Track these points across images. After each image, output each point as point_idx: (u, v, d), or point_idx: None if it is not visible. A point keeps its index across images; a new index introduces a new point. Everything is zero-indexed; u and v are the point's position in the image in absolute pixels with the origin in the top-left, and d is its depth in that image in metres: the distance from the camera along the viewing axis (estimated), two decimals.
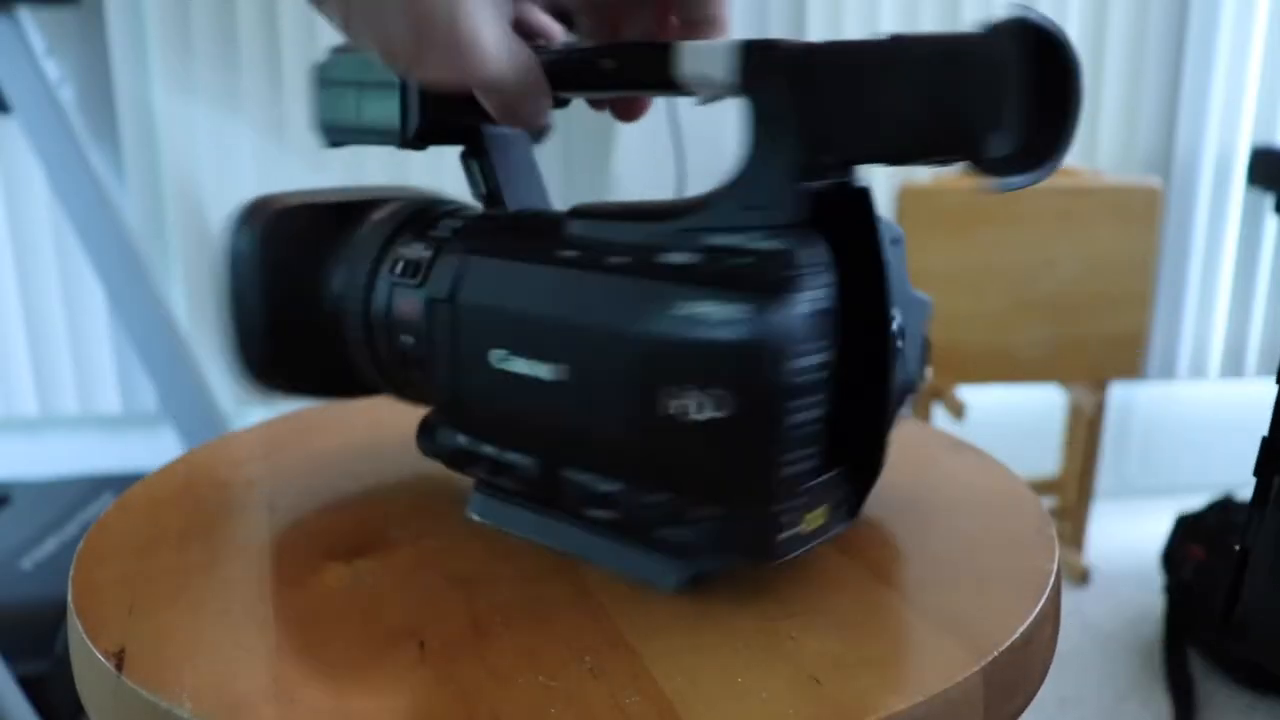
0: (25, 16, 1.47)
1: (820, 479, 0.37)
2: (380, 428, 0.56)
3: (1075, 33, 1.74)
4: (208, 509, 0.47)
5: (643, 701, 0.32)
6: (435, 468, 0.50)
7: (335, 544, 0.42)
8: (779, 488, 0.35)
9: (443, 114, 0.43)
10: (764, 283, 0.34)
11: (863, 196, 0.37)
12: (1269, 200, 1.81)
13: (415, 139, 0.43)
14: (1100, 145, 1.79)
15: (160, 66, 1.64)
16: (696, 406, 0.34)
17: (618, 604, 0.37)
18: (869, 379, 0.38)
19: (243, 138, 1.66)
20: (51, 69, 1.51)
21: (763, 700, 0.32)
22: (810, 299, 0.34)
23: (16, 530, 1.46)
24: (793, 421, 0.34)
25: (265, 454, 0.53)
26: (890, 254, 0.38)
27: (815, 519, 0.37)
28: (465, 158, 0.46)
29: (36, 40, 1.49)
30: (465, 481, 0.45)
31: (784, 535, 0.36)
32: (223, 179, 1.68)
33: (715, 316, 0.33)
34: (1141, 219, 1.52)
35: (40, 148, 1.50)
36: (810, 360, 0.34)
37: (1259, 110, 1.81)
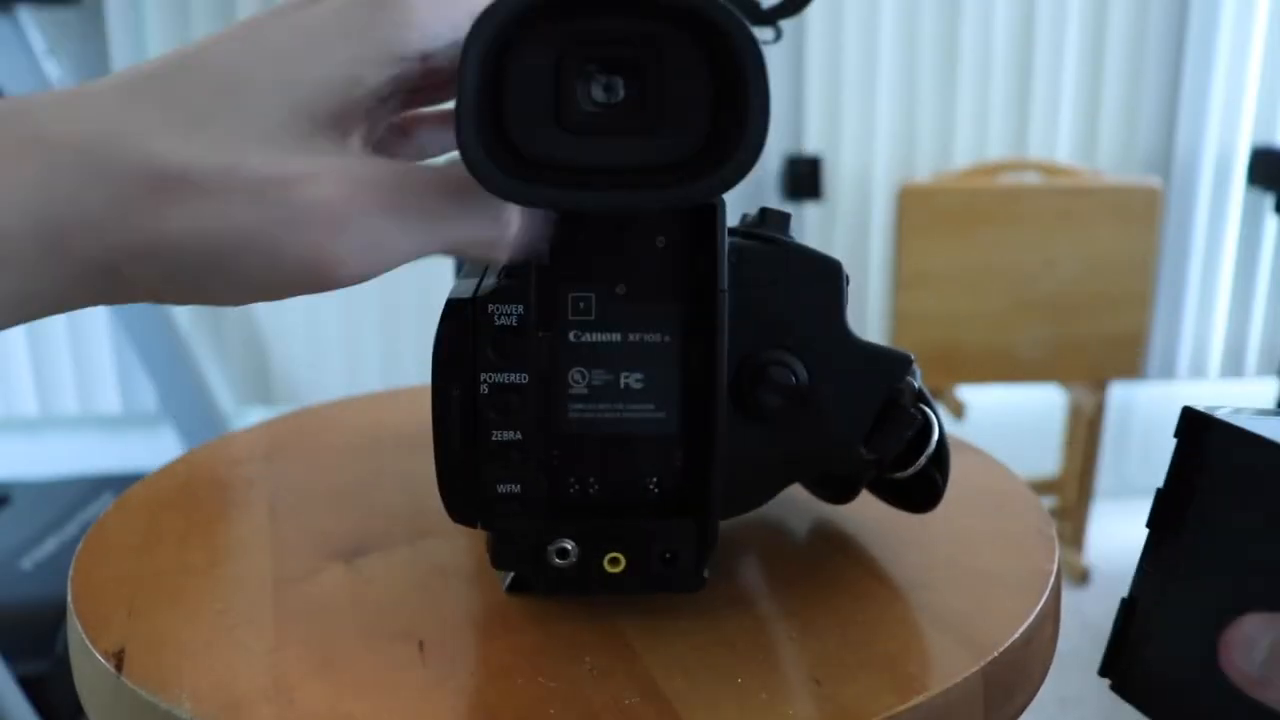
0: (25, 16, 1.47)
1: (577, 519, 0.35)
2: (380, 428, 0.56)
3: (1075, 33, 1.74)
4: (208, 509, 0.47)
5: (643, 701, 0.32)
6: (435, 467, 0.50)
7: (335, 544, 0.42)
8: (468, 494, 0.35)
9: None
10: (468, 288, 0.34)
11: (710, 214, 0.34)
12: (1269, 200, 1.81)
13: None
14: (1100, 145, 1.79)
15: None
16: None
17: (618, 604, 0.37)
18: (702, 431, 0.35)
19: None
20: (51, 69, 1.51)
21: (763, 700, 0.32)
22: (499, 313, 0.33)
23: (16, 530, 1.46)
24: (482, 433, 0.34)
25: (265, 454, 0.53)
26: (802, 292, 0.35)
27: (588, 557, 0.35)
28: None
29: (36, 40, 1.49)
30: None
31: (507, 553, 0.36)
32: None
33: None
34: (1141, 219, 1.52)
35: None
36: (495, 376, 0.34)
37: (1259, 110, 1.81)
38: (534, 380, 0.34)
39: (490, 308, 0.33)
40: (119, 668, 0.34)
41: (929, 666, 0.34)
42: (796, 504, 0.45)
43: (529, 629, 0.36)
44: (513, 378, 0.34)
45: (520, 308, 0.33)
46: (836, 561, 0.41)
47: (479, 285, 0.34)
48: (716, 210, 0.33)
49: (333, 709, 0.32)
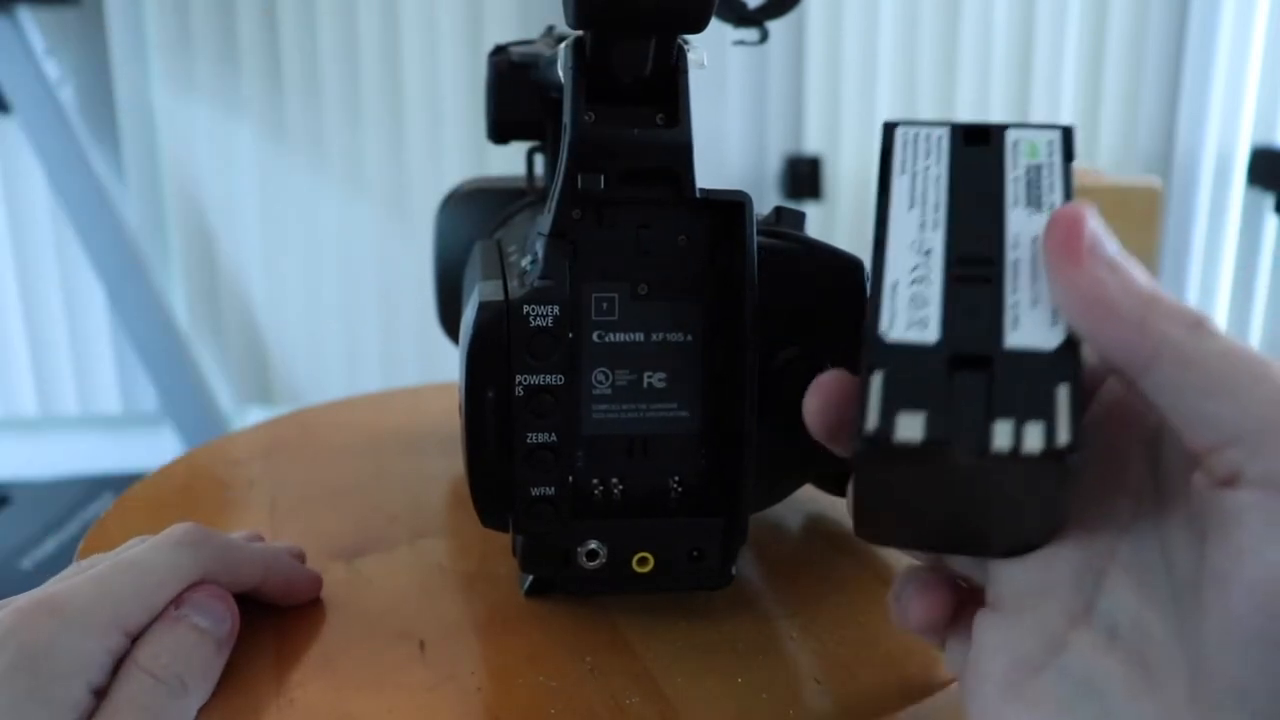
0: (25, 16, 1.48)
1: (607, 518, 0.35)
2: (380, 428, 0.56)
3: (1075, 32, 1.74)
4: (208, 509, 0.47)
5: (643, 701, 0.32)
6: (435, 467, 0.50)
7: (335, 544, 0.42)
8: (500, 496, 0.35)
9: (514, 116, 0.47)
10: (497, 291, 0.34)
11: (738, 211, 0.34)
12: (1269, 200, 1.81)
13: (495, 136, 0.48)
14: (1100, 145, 1.79)
15: (160, 66, 1.64)
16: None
17: (618, 604, 0.37)
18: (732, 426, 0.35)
19: (243, 138, 1.66)
20: (51, 69, 1.51)
21: (763, 700, 0.32)
22: (535, 314, 0.33)
23: (16, 530, 1.46)
24: (512, 436, 0.33)
25: (265, 454, 0.53)
26: (824, 290, 0.36)
27: (617, 558, 0.35)
28: (532, 153, 0.49)
29: (36, 40, 1.49)
30: (464, 481, 0.45)
31: (537, 556, 0.36)
32: (223, 179, 1.68)
33: (467, 318, 0.34)
34: (1141, 219, 1.52)
35: (40, 148, 1.50)
36: (530, 378, 0.33)
37: (1259, 110, 1.81)
38: (568, 381, 0.34)
39: (526, 309, 0.33)
40: None
41: (929, 666, 0.34)
42: (796, 503, 0.45)
43: (529, 629, 0.36)
44: (548, 379, 0.33)
45: (556, 308, 0.33)
46: (836, 561, 0.41)
47: (506, 286, 0.34)
48: (744, 208, 0.33)
49: (333, 709, 0.32)
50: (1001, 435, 0.23)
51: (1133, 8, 1.75)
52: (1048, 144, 0.28)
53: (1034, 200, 0.27)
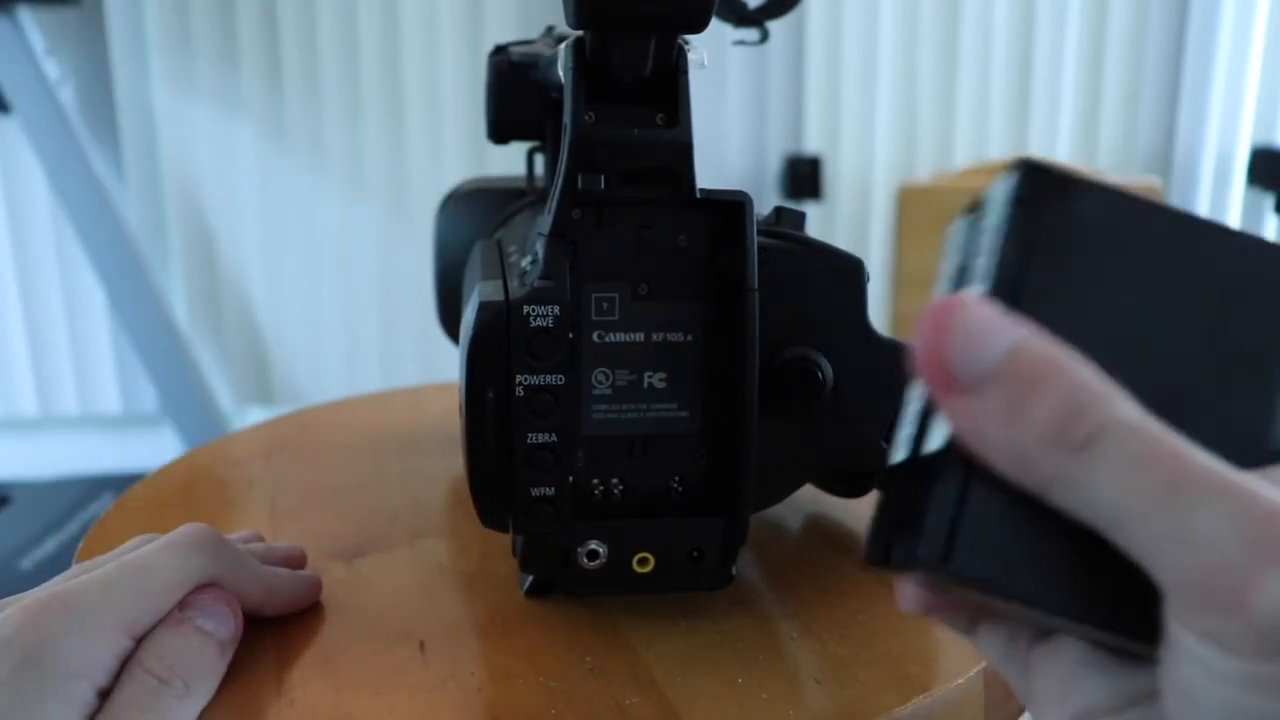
0: (25, 16, 1.48)
1: (608, 518, 0.35)
2: (380, 428, 0.56)
3: (1075, 32, 1.74)
4: (208, 509, 0.47)
5: (643, 701, 0.32)
6: (435, 467, 0.50)
7: (335, 544, 0.42)
8: (500, 496, 0.35)
9: (514, 116, 0.47)
10: (497, 291, 0.34)
11: (738, 211, 0.34)
12: (1269, 200, 1.81)
13: (495, 136, 0.48)
14: (1100, 145, 1.79)
15: (160, 66, 1.64)
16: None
17: (618, 604, 0.37)
18: (731, 428, 0.35)
19: (243, 138, 1.66)
20: (51, 69, 1.51)
21: (763, 700, 0.32)
22: (535, 314, 0.33)
23: (16, 530, 1.46)
24: (510, 433, 0.33)
25: (265, 454, 0.53)
26: (824, 290, 0.36)
27: (617, 558, 0.35)
28: (532, 153, 0.49)
29: (36, 40, 1.49)
30: (464, 481, 0.45)
31: (537, 556, 0.36)
32: (223, 179, 1.68)
33: (467, 319, 0.34)
34: None
35: (40, 148, 1.50)
36: (530, 378, 0.33)
37: (1259, 110, 1.81)
38: (568, 381, 0.34)
39: (526, 309, 0.33)
40: None
41: (929, 666, 0.34)
42: (796, 503, 0.45)
43: (529, 629, 0.36)
44: (548, 379, 0.33)
45: (556, 309, 0.33)
46: (837, 561, 0.41)
47: (506, 286, 0.34)
48: (744, 208, 0.33)
49: (333, 709, 0.32)
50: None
51: (1133, 8, 1.75)
52: (998, 204, 0.23)
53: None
